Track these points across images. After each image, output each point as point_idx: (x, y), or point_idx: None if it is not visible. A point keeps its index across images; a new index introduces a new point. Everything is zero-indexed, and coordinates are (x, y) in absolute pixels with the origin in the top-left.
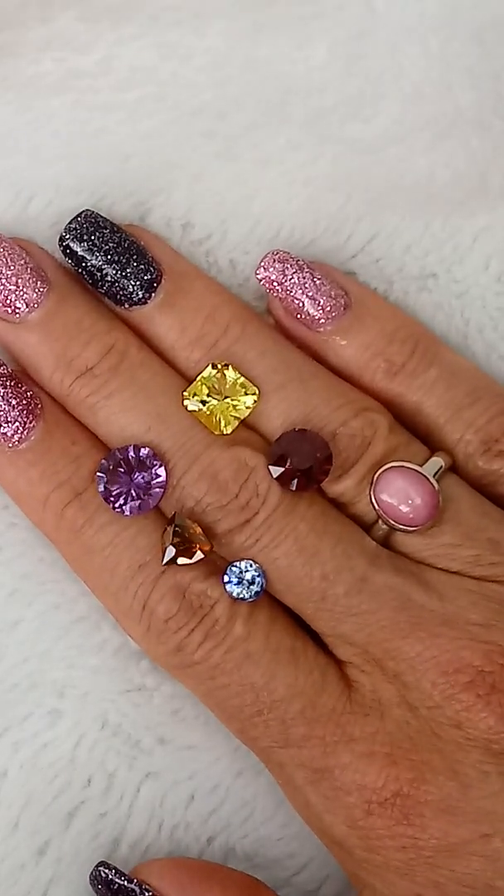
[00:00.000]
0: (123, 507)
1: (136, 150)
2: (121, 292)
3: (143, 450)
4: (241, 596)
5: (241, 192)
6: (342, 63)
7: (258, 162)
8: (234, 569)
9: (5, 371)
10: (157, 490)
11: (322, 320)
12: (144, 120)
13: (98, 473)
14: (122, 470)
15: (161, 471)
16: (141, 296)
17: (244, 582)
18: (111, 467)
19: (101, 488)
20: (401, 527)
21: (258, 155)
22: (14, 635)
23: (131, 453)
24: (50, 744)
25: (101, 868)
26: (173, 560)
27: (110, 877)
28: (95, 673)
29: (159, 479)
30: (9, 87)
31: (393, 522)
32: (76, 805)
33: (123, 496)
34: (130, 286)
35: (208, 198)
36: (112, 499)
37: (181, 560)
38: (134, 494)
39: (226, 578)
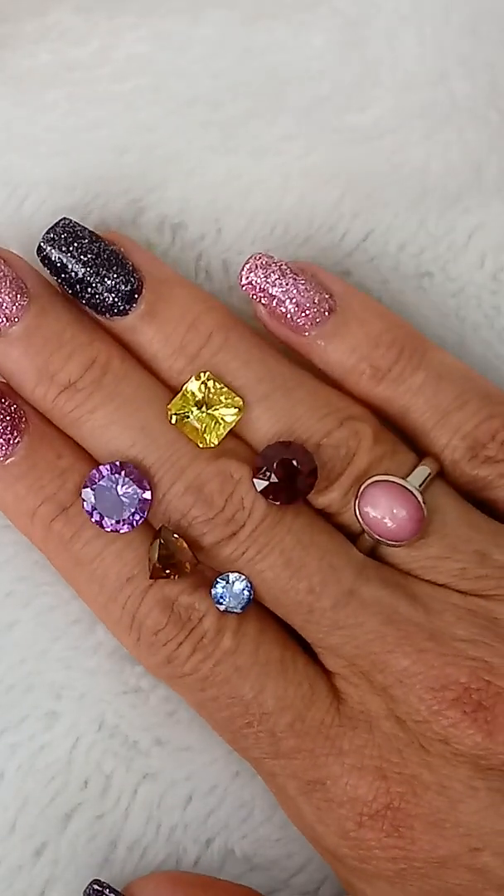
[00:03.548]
0: (108, 525)
1: (131, 143)
2: (101, 303)
3: (128, 466)
4: (230, 608)
5: (235, 186)
6: (338, 51)
7: (253, 154)
8: (222, 581)
9: None
10: (143, 506)
11: (306, 325)
12: (140, 112)
13: (83, 489)
14: (107, 487)
15: (147, 491)
16: (122, 307)
17: (232, 594)
18: (96, 484)
19: (87, 507)
20: (386, 541)
21: (254, 146)
22: (10, 637)
23: (116, 469)
24: (47, 746)
25: (94, 885)
26: (159, 574)
27: (105, 894)
28: (92, 675)
29: (144, 496)
30: (4, 80)
31: (378, 537)
32: (73, 807)
33: (108, 513)
34: (111, 297)
35: (203, 194)
36: (97, 516)
37: (167, 574)
38: (119, 511)
39: (214, 591)
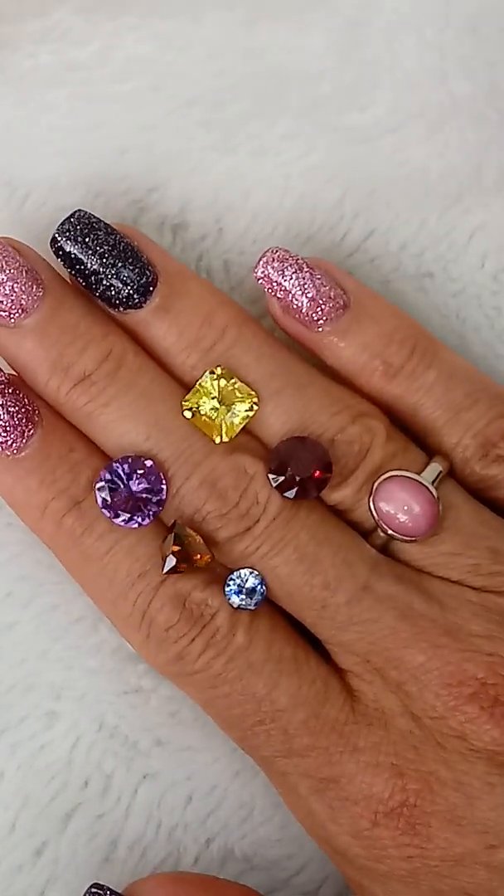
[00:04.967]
0: (121, 519)
1: (132, 143)
2: (116, 296)
3: (143, 461)
4: (243, 605)
5: (236, 186)
6: (338, 51)
7: (254, 153)
8: (234, 578)
9: (3, 378)
10: (157, 501)
11: (320, 321)
12: (140, 112)
13: (97, 483)
14: (121, 481)
15: (161, 483)
16: (137, 299)
17: (245, 591)
18: (110, 478)
19: (100, 500)
20: (400, 537)
21: (254, 146)
22: (11, 637)
23: (131, 464)
24: (47, 745)
25: (94, 889)
26: (174, 570)
27: None
28: (93, 674)
29: (159, 490)
30: (5, 80)
31: (392, 532)
32: (73, 806)
33: (121, 508)
34: (126, 290)
35: (204, 194)
36: (111, 511)
37: (181, 569)
38: (133, 506)
39: (227, 588)
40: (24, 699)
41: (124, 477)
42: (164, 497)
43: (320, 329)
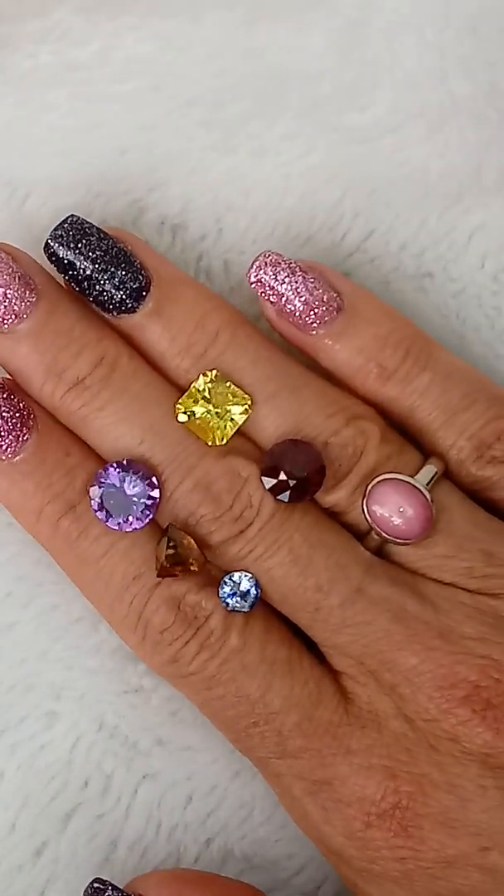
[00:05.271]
0: (115, 523)
1: (132, 143)
2: (109, 301)
3: (137, 465)
4: (237, 608)
5: (236, 186)
6: (338, 51)
7: (254, 153)
8: (228, 581)
9: None
10: (151, 505)
11: (314, 324)
12: (140, 112)
13: (91, 487)
14: (115, 485)
15: (155, 490)
16: (130, 304)
17: (239, 593)
18: (105, 482)
19: (94, 504)
20: (394, 539)
21: (254, 146)
22: (10, 637)
23: (125, 467)
24: (47, 745)
25: (95, 883)
26: (167, 573)
27: (106, 892)
28: (93, 674)
29: (152, 494)
30: (5, 80)
31: (386, 535)
32: (73, 806)
33: (116, 511)
34: (119, 295)
35: (203, 194)
36: (105, 515)
37: (176, 572)
38: (127, 509)
39: (221, 590)
40: (24, 699)
41: (119, 480)
42: (158, 500)
43: (314, 332)
